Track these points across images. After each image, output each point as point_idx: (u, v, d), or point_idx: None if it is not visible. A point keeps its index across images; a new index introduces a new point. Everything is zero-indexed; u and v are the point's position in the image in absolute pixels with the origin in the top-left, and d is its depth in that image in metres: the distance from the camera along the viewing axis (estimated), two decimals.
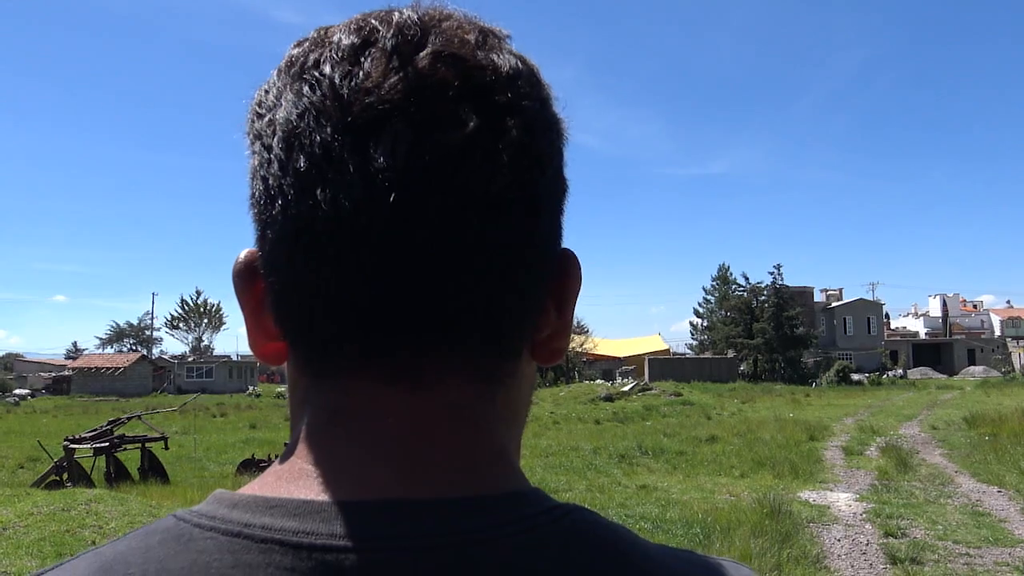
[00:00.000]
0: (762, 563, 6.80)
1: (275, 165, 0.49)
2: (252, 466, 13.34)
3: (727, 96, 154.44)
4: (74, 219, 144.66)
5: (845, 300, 67.20)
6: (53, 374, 61.50)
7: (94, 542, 7.22)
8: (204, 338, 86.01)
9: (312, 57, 0.50)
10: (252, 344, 0.54)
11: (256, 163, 0.51)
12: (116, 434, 13.40)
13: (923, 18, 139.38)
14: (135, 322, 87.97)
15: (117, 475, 12.48)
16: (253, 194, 0.51)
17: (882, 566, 7.11)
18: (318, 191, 0.47)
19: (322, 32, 0.52)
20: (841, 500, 10.29)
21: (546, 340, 0.54)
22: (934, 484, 11.48)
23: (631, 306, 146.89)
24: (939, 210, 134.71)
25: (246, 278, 0.53)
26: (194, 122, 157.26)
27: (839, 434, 18.77)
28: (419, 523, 0.45)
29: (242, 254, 0.54)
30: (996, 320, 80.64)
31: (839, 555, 7.50)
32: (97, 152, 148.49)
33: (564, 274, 0.55)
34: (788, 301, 53.55)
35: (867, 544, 7.87)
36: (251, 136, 0.52)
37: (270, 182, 0.49)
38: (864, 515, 9.27)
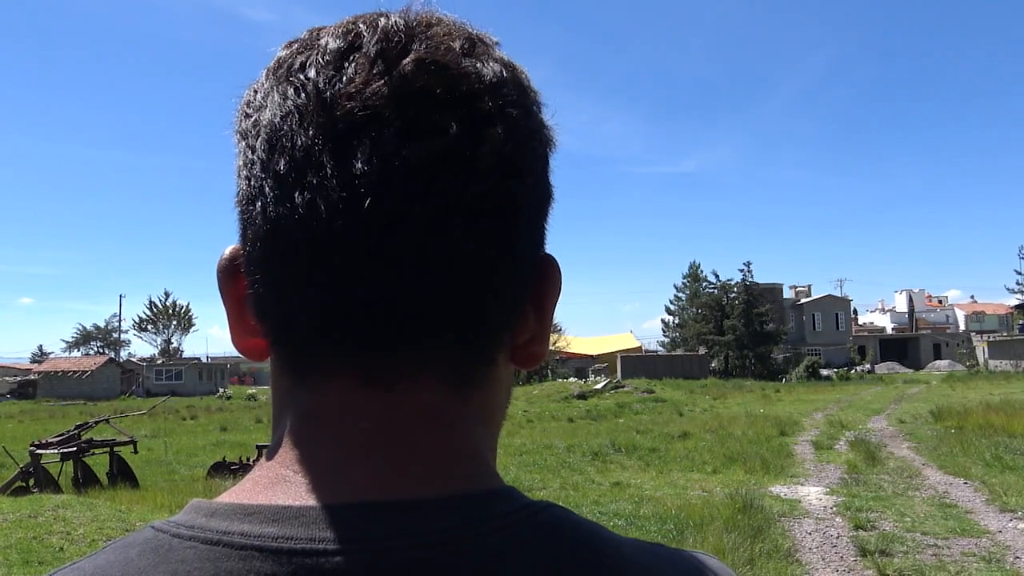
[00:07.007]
0: (735, 557, 6.86)
1: (257, 166, 0.49)
2: (223, 469, 13.18)
3: (699, 95, 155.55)
4: (41, 220, 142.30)
5: (814, 296, 67.89)
6: (18, 378, 60.22)
7: (62, 549, 7.11)
8: (173, 340, 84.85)
9: (299, 60, 0.50)
10: (234, 339, 0.55)
11: (241, 162, 0.52)
12: (84, 438, 13.17)
13: (890, 20, 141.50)
14: (102, 324, 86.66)
15: (85, 480, 12.24)
16: (238, 192, 0.52)
17: (852, 558, 7.21)
18: (296, 194, 0.47)
19: (313, 33, 0.52)
20: (811, 494, 10.41)
21: (525, 344, 0.55)
22: (902, 477, 11.65)
23: (604, 304, 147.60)
24: (905, 207, 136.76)
25: (229, 274, 0.54)
26: (163, 121, 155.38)
27: (809, 429, 18.99)
28: (397, 524, 0.45)
29: (227, 250, 0.54)
30: (961, 315, 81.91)
31: (810, 548, 7.59)
32: (64, 152, 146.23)
33: (544, 279, 0.55)
34: (758, 298, 54.06)
35: (837, 537, 7.97)
36: (238, 135, 0.53)
37: (252, 182, 0.50)
38: (834, 508, 9.38)
